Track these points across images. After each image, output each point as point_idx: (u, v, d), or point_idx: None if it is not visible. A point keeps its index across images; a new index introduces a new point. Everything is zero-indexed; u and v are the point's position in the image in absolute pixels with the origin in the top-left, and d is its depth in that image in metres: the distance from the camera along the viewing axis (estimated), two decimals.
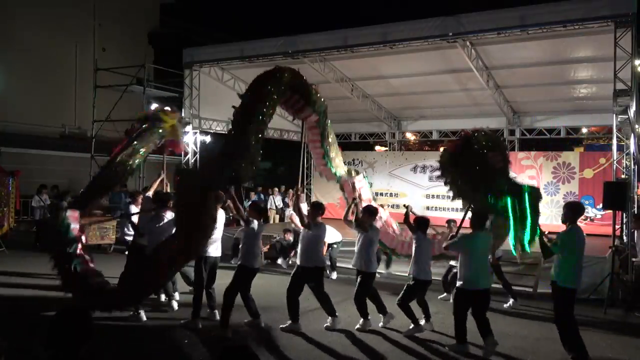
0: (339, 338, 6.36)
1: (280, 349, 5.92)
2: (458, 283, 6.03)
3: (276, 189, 17.23)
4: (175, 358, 5.83)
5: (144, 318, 6.86)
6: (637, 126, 9.42)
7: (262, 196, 17.04)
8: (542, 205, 13.59)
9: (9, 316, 6.98)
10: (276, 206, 16.55)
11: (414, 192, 15.58)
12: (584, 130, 15.19)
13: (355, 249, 6.86)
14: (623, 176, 9.58)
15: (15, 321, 6.72)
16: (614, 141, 9.58)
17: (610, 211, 9.69)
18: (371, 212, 6.94)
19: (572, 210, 6.00)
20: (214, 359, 5.76)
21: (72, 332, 2.48)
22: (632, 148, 9.46)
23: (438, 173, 6.91)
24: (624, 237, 9.34)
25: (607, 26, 9.36)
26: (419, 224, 6.82)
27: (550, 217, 13.75)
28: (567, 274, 5.66)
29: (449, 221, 8.67)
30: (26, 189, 14.50)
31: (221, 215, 7.04)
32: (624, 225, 9.47)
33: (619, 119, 9.38)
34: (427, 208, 14.88)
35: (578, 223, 5.97)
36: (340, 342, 6.23)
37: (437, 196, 14.68)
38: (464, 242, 6.08)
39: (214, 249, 6.94)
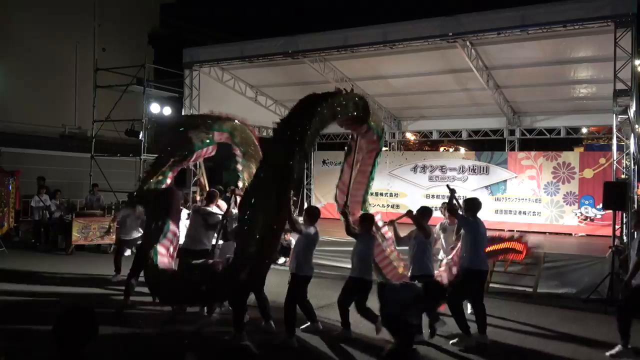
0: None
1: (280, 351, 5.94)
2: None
3: None
4: (175, 357, 5.83)
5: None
6: (637, 126, 9.42)
7: None
8: (542, 205, 13.85)
9: (9, 316, 6.98)
10: None
11: (414, 192, 15.57)
12: (584, 130, 15.17)
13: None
14: (623, 176, 9.58)
15: (16, 321, 6.72)
16: (614, 141, 9.58)
17: (610, 211, 9.71)
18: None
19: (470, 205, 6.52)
20: (214, 359, 5.77)
21: (76, 331, 2.48)
22: (632, 148, 9.46)
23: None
24: (624, 237, 9.35)
25: (607, 26, 9.36)
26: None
27: (550, 217, 13.77)
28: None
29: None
30: (26, 189, 14.49)
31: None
32: (624, 225, 9.47)
33: (619, 119, 9.37)
34: None
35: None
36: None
37: (437, 196, 14.67)
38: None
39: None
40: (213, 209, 7.35)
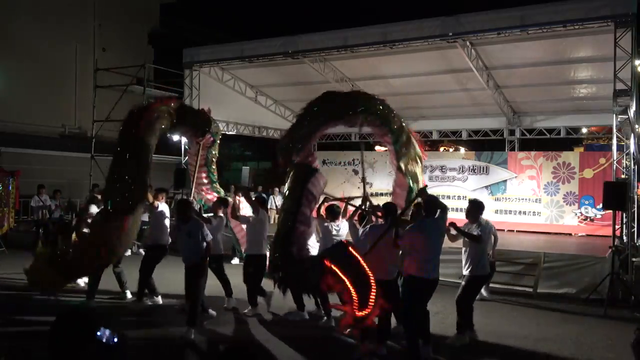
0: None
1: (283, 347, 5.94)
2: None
3: (276, 189, 17.21)
4: (175, 358, 5.83)
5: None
6: (637, 126, 9.42)
7: (263, 195, 17.02)
8: (542, 205, 13.84)
9: (9, 316, 6.98)
10: (276, 206, 16.53)
11: None
12: (584, 130, 15.17)
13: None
14: (623, 176, 9.58)
15: (16, 321, 6.71)
16: (614, 141, 9.58)
17: (610, 211, 9.70)
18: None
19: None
20: (214, 358, 5.77)
21: (74, 334, 2.47)
22: (632, 148, 9.46)
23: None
24: (624, 237, 9.35)
25: (607, 26, 9.36)
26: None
27: (551, 217, 13.77)
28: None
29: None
30: (26, 189, 14.48)
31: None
32: (624, 225, 9.47)
33: (619, 119, 9.37)
34: None
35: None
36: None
37: (438, 196, 14.64)
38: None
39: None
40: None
